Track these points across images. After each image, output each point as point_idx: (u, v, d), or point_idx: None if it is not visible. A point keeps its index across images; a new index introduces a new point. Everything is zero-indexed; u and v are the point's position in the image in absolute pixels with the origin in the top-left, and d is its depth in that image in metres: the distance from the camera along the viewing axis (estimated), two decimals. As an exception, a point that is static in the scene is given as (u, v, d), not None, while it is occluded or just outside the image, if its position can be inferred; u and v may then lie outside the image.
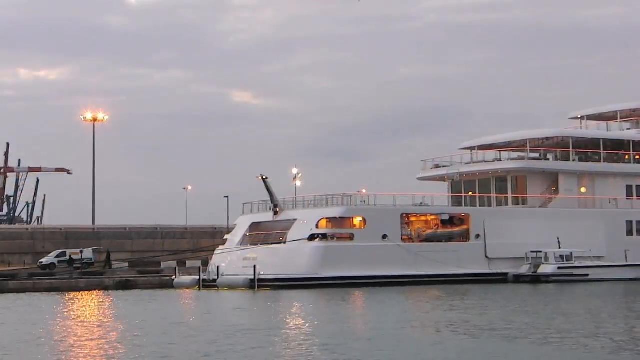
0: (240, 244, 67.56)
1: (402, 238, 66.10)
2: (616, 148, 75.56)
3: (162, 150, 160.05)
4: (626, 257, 68.94)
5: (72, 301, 51.79)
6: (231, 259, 66.19)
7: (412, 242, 66.57)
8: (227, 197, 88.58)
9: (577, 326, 32.99)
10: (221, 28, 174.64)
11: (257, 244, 66.19)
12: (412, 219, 68.22)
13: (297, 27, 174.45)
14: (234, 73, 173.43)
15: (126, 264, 76.45)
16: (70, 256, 74.18)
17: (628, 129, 78.47)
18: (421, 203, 69.37)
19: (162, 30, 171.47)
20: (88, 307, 47.64)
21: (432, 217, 68.65)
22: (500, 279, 66.20)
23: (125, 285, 64.82)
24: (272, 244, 65.47)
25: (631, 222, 72.68)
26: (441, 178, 77.04)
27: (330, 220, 65.45)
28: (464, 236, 68.00)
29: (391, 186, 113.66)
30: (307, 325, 35.56)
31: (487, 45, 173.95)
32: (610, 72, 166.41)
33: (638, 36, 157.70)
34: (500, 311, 40.82)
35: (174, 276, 66.14)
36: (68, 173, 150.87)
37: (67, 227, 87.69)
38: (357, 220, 65.78)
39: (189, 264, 75.03)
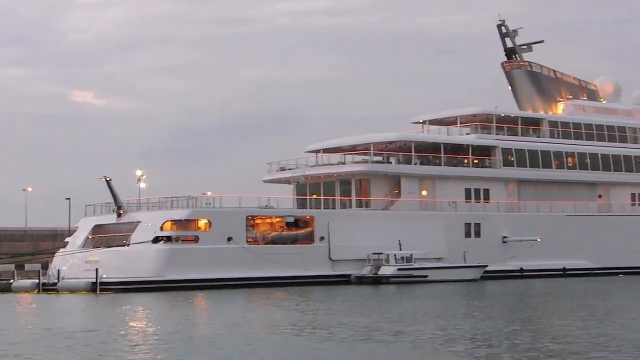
0: (82, 247, 66.40)
1: (247, 240, 66.25)
2: (456, 152, 77.66)
3: (1, 151, 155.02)
4: (464, 258, 70.99)
5: None
6: (72, 262, 65.00)
7: (258, 244, 66.78)
8: (69, 198, 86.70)
9: (395, 325, 34.31)
10: (62, 26, 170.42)
11: (99, 247, 65.19)
12: (258, 221, 68.45)
13: (142, 26, 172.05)
14: (76, 72, 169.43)
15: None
16: None
17: (467, 133, 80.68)
18: (266, 205, 69.72)
19: (0, 27, 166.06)
20: None
21: (277, 219, 69.04)
22: (344, 280, 67.19)
23: (-40, 289, 62.62)
24: (115, 246, 64.62)
25: (469, 224, 74.84)
26: (286, 180, 77.59)
27: (175, 222, 65.06)
28: (309, 238, 68.62)
29: (237, 188, 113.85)
30: (136, 326, 35.60)
31: (334, 49, 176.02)
32: (452, 78, 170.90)
33: (480, 43, 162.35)
34: (329, 311, 41.95)
35: (12, 280, 64.48)
36: None
37: None
38: (202, 223, 65.57)
39: (28, 267, 72.97)
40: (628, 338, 29.29)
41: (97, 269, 60.11)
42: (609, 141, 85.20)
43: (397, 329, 33.01)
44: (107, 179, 65.73)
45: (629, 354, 25.56)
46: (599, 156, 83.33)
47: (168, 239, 64.34)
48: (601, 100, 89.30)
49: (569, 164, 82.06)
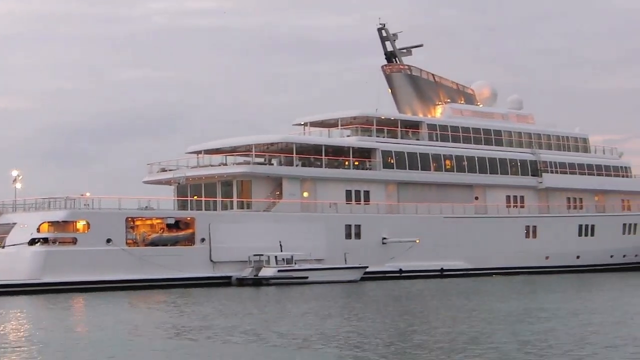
0: (-45, 249, 64.56)
1: (127, 242, 65.54)
2: (337, 154, 78.29)
3: None
4: (345, 260, 71.67)
5: None
6: (-55, 265, 63.10)
7: (137, 246, 66.11)
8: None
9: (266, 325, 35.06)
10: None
11: (-27, 249, 63.53)
12: (138, 222, 67.73)
13: (19, 24, 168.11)
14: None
15: None
16: None
17: (348, 136, 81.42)
18: (146, 207, 69.06)
19: None
20: None
21: (158, 220, 68.44)
22: (225, 282, 67.13)
23: None
24: (-11, 248, 63.12)
25: (350, 225, 75.55)
26: (167, 182, 76.93)
27: (53, 224, 63.90)
28: (190, 240, 68.26)
29: (117, 190, 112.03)
30: (7, 330, 35.04)
31: (214, 50, 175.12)
32: (333, 81, 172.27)
33: (361, 48, 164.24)
34: (200, 313, 42.49)
35: None
36: None
37: None
38: (80, 224, 64.57)
39: None
40: (487, 334, 30.52)
41: (-30, 272, 58.72)
42: (486, 144, 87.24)
43: (264, 329, 33.73)
44: (-18, 179, 64.22)
45: (489, 351, 26.57)
46: (476, 159, 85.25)
47: (45, 240, 63.23)
48: (478, 104, 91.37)
49: (447, 167, 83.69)
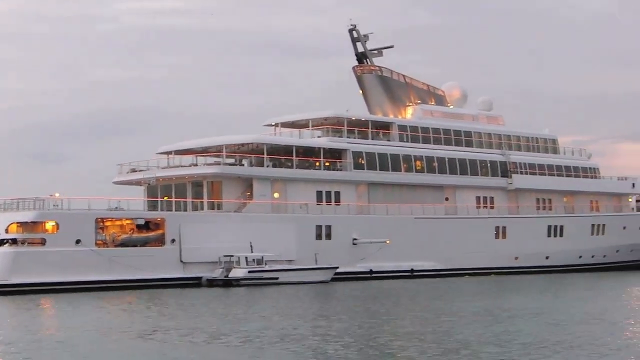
0: None
1: (96, 243, 65.32)
2: (307, 155, 78.37)
3: None
4: (316, 260, 71.80)
5: None
6: None
7: (107, 247, 65.92)
8: None
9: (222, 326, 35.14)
10: None
11: (-60, 250, 63.11)
12: (107, 223, 67.52)
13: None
14: None
15: None
16: None
17: (319, 136, 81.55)
18: (116, 207, 68.86)
19: None
20: None
21: (128, 221, 68.25)
22: (195, 283, 67.05)
23: None
24: (-43, 249, 62.73)
25: (320, 226, 75.65)
26: (137, 182, 76.64)
27: (21, 224, 63.60)
28: (160, 241, 68.14)
29: (86, 190, 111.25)
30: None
31: (184, 50, 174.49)
32: (304, 81, 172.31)
33: (332, 47, 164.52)
34: (168, 314, 42.76)
35: None
36: None
37: None
38: (49, 225, 64.28)
39: None
40: (452, 334, 30.60)
41: (-63, 273, 58.37)
42: (456, 145, 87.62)
43: (231, 329, 33.95)
44: (-50, 179, 63.88)
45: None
46: (446, 160, 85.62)
47: (13, 241, 62.96)
48: (448, 105, 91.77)
49: (418, 167, 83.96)
